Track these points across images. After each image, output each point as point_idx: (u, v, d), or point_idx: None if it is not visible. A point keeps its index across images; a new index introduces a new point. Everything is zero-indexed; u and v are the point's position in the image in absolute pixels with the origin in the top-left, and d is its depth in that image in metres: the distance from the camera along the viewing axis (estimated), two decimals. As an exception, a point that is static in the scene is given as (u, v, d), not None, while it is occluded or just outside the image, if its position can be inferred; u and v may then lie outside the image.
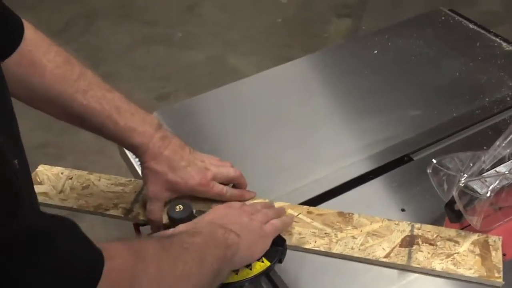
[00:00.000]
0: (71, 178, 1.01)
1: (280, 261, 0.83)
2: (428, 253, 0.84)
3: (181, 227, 0.77)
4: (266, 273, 0.82)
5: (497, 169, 0.86)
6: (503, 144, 0.87)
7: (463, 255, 0.83)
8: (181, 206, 0.84)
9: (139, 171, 0.99)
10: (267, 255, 0.82)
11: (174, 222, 0.82)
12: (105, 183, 1.00)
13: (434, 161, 0.83)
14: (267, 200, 0.94)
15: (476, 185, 0.83)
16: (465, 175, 0.83)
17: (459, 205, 0.81)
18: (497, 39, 1.29)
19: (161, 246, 0.67)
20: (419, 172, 0.93)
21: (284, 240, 0.84)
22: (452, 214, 0.84)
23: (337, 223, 0.89)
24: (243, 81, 1.28)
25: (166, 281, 0.64)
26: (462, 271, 0.81)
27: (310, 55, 1.37)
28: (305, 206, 0.93)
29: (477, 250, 0.84)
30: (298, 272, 0.85)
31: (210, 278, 0.71)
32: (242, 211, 0.83)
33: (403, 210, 0.92)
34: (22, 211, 0.53)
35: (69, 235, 0.57)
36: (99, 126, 0.88)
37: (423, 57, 1.26)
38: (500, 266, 0.81)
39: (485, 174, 0.84)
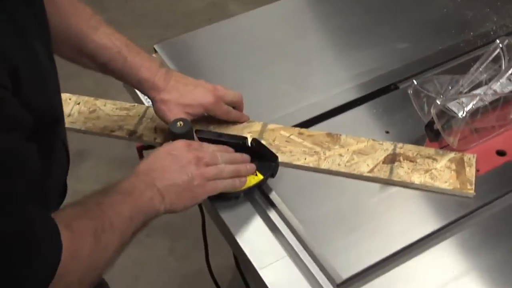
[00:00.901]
0: (78, 103, 1.08)
1: (273, 176, 0.92)
2: (408, 168, 0.91)
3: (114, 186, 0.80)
4: (259, 186, 0.90)
5: (474, 92, 0.93)
6: (480, 69, 0.93)
7: (440, 170, 0.91)
8: (181, 122, 0.90)
9: (145, 103, 1.07)
10: (261, 169, 0.90)
11: (174, 137, 0.89)
12: (110, 108, 1.07)
13: (415, 82, 0.89)
14: (261, 123, 1.01)
15: (453, 106, 0.90)
16: (444, 97, 0.90)
17: (437, 124, 0.89)
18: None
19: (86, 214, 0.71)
20: (403, 99, 1.00)
21: (276, 157, 0.92)
22: (431, 133, 0.92)
23: (326, 143, 0.97)
24: (238, 17, 1.33)
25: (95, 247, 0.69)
26: (438, 183, 0.89)
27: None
28: (296, 128, 1.00)
29: (453, 166, 0.91)
30: (289, 186, 0.92)
31: (133, 230, 0.76)
32: (185, 161, 0.85)
33: (387, 132, 0.99)
34: None
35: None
36: (108, 61, 0.93)
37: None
38: (473, 180, 0.89)
39: (462, 95, 0.91)
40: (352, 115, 1.04)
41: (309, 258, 0.83)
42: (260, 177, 0.90)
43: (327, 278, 0.80)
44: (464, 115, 0.89)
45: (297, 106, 1.06)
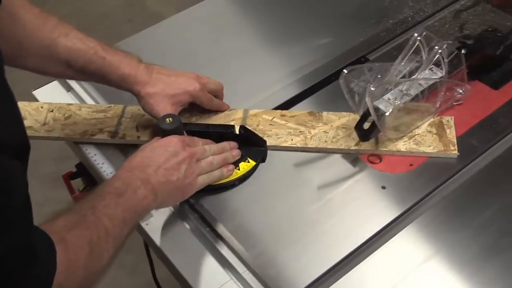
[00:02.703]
0: (52, 111, 1.04)
1: (263, 160, 0.93)
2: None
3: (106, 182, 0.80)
4: (252, 172, 0.92)
5: (400, 86, 0.94)
6: (402, 63, 0.94)
7: (423, 135, 0.95)
8: (170, 118, 0.89)
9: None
10: (251, 155, 0.92)
11: (165, 133, 0.88)
12: (86, 112, 1.04)
13: (345, 71, 0.89)
14: (242, 110, 1.01)
15: (381, 105, 0.90)
16: (372, 88, 0.89)
17: (365, 125, 0.89)
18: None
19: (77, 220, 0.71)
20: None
21: (265, 141, 0.93)
22: (360, 133, 0.92)
23: (309, 122, 0.98)
24: (162, 23, 1.28)
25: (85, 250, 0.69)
26: (423, 148, 0.93)
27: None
28: (278, 111, 1.01)
29: (434, 130, 0.95)
30: (280, 168, 0.94)
31: (127, 232, 0.77)
32: (180, 158, 0.85)
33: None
34: None
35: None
36: (86, 64, 0.91)
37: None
38: (455, 141, 0.93)
39: (388, 93, 0.92)
40: (329, 90, 1.06)
41: (255, 279, 0.81)
42: (252, 163, 0.92)
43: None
44: (391, 110, 0.89)
45: (274, 88, 1.07)
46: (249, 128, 0.96)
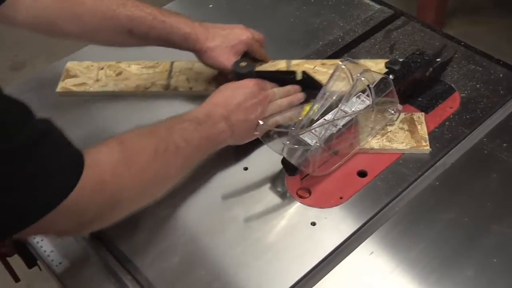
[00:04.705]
0: (102, 68, 1.09)
1: None
2: (366, 136, 0.94)
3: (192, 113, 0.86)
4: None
5: (326, 117, 0.90)
6: (328, 93, 0.91)
7: (395, 132, 0.95)
8: (244, 63, 0.98)
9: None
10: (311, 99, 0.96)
11: (239, 77, 0.96)
12: (135, 68, 1.10)
13: (261, 122, 0.85)
14: (285, 60, 1.07)
15: (306, 137, 0.86)
16: (294, 128, 0.86)
17: (291, 160, 0.85)
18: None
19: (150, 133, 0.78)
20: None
21: (322, 85, 0.94)
22: (288, 168, 0.88)
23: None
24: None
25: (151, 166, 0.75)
26: (396, 145, 0.93)
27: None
28: (318, 60, 1.06)
29: (406, 127, 0.96)
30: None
31: (199, 158, 0.84)
32: (256, 100, 0.91)
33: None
34: None
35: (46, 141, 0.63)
36: (149, 29, 0.96)
37: (257, 5, 1.27)
38: (426, 137, 0.94)
39: (314, 125, 0.88)
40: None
41: None
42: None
43: None
44: (318, 144, 0.86)
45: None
46: None
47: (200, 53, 1.00)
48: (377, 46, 1.13)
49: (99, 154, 0.69)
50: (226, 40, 1.00)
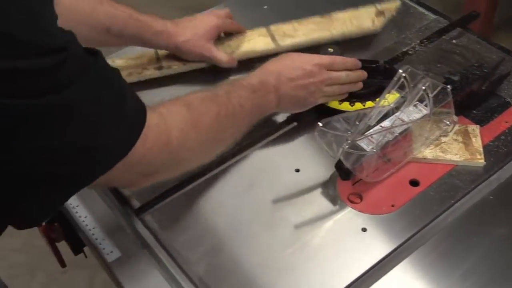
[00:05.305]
0: None
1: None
2: (420, 146, 0.93)
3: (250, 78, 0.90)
4: None
5: (382, 124, 0.90)
6: (386, 100, 0.90)
7: (449, 143, 0.94)
8: (331, 49, 0.99)
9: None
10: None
11: None
12: (121, 61, 1.10)
13: (320, 124, 0.85)
14: (264, 27, 1.12)
15: (363, 143, 0.86)
16: (351, 133, 0.86)
17: (346, 164, 0.85)
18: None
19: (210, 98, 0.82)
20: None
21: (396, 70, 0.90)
22: (342, 172, 0.88)
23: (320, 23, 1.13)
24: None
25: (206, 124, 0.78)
26: (450, 156, 0.92)
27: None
28: (292, 21, 1.14)
29: (460, 138, 0.95)
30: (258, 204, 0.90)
31: (248, 124, 0.87)
32: (312, 80, 0.92)
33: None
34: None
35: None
36: (124, 27, 0.98)
37: (310, 9, 1.26)
38: (481, 149, 0.93)
39: (371, 131, 0.88)
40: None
41: None
42: (396, 95, 0.91)
43: None
44: (374, 150, 0.86)
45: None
46: (277, 38, 1.09)
47: (177, 50, 1.04)
48: (430, 57, 1.13)
49: (169, 114, 0.73)
50: (196, 30, 1.04)
